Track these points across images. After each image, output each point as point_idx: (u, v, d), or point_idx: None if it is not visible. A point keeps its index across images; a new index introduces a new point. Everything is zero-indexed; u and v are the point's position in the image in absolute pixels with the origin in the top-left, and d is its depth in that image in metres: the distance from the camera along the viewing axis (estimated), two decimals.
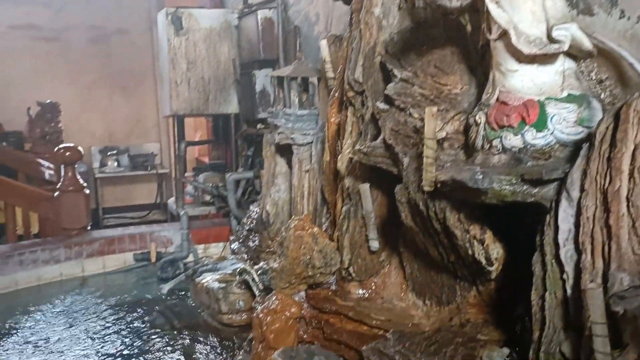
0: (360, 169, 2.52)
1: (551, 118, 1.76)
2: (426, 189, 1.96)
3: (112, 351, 3.37)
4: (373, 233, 2.45)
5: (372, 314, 2.37)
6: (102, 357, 3.30)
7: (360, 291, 2.54)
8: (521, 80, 1.81)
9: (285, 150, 3.60)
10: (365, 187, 2.45)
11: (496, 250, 1.93)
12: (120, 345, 3.45)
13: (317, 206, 3.09)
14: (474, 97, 2.11)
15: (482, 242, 1.93)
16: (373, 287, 2.53)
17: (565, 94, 1.78)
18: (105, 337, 3.59)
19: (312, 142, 3.30)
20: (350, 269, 2.52)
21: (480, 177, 1.74)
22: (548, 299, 1.63)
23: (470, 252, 1.97)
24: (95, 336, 3.62)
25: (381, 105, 2.34)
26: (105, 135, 9.39)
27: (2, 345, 3.54)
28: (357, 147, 2.41)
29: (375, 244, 2.47)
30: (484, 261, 1.94)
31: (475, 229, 1.94)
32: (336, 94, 2.79)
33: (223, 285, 3.39)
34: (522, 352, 1.77)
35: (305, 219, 2.69)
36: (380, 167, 2.31)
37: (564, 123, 1.75)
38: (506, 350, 1.69)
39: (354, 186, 2.53)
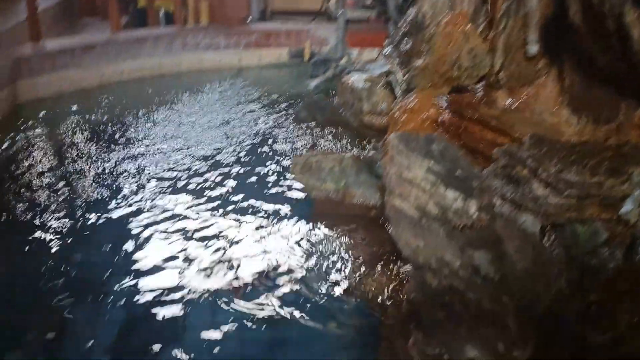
0: None
1: None
2: None
3: (257, 133, 3.53)
4: (533, 35, 2.13)
5: (516, 126, 2.14)
6: (248, 136, 3.47)
7: (508, 100, 2.28)
8: None
9: None
10: None
11: None
12: (265, 129, 3.59)
13: (477, 8, 2.76)
14: None
15: None
16: (523, 98, 2.25)
17: None
18: (252, 122, 3.74)
19: None
20: (501, 74, 2.26)
21: None
22: None
23: None
24: (242, 119, 3.79)
25: None
26: None
27: (163, 119, 3.83)
28: None
29: (533, 48, 2.15)
30: None
31: None
32: None
33: (368, 85, 3.29)
34: None
35: (459, 14, 2.41)
36: None
37: None
38: None
39: None
